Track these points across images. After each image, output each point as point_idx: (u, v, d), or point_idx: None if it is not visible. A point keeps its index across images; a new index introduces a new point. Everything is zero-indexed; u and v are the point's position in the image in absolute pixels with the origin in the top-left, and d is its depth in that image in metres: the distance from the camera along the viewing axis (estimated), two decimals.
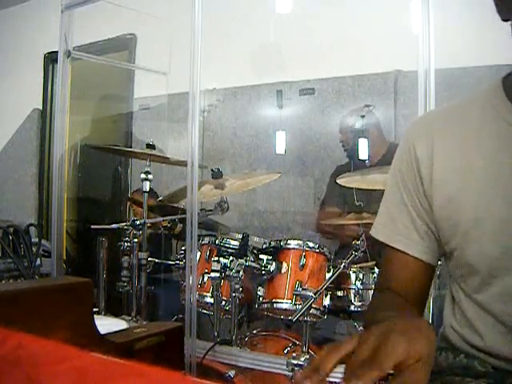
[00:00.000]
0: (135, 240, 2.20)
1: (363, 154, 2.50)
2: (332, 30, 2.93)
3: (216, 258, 1.91)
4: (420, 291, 0.95)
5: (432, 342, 0.65)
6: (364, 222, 2.00)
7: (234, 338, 1.85)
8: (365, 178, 2.13)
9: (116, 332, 1.08)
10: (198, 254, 2.03)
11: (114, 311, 2.29)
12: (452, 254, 0.90)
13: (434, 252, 0.93)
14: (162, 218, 2.56)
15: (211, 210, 2.14)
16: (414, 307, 0.92)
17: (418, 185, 0.90)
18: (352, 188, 2.39)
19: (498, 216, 0.82)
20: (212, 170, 2.16)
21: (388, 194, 0.97)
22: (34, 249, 1.52)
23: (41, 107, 4.36)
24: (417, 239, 0.92)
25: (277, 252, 1.96)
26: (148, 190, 2.29)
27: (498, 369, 0.86)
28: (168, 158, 2.49)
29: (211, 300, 1.93)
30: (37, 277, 1.53)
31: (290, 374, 1.62)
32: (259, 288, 1.96)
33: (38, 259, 1.54)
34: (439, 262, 1.87)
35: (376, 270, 1.96)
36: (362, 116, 2.52)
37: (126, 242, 2.24)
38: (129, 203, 3.37)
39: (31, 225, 1.60)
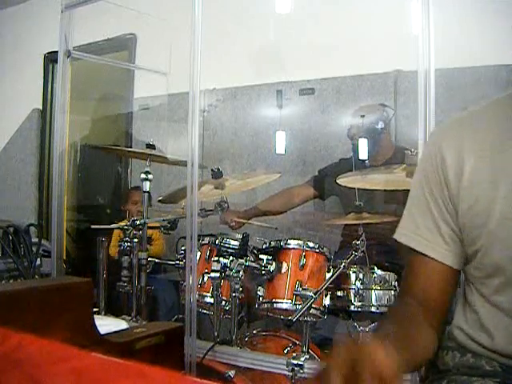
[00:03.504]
0: (135, 240, 2.20)
1: (363, 153, 2.49)
2: (332, 29, 2.92)
3: (216, 258, 1.91)
4: (442, 296, 0.92)
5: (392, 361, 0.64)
6: (364, 222, 2.00)
7: (234, 337, 1.85)
8: (365, 177, 2.13)
9: (116, 332, 1.08)
10: (198, 253, 2.03)
11: (114, 311, 2.29)
12: (475, 256, 0.89)
13: (458, 256, 0.92)
14: (162, 218, 2.56)
15: (211, 210, 2.14)
16: (423, 325, 0.89)
17: (443, 188, 0.91)
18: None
19: None
20: (212, 170, 2.15)
21: (412, 199, 0.97)
22: (34, 249, 1.52)
23: (41, 107, 4.36)
24: (440, 242, 0.91)
25: (277, 252, 1.96)
26: (148, 189, 2.29)
27: (505, 367, 0.86)
28: (168, 158, 2.49)
29: (211, 300, 1.93)
30: (37, 277, 1.53)
31: (290, 374, 1.61)
32: (259, 288, 1.96)
33: (38, 259, 1.54)
34: None
35: (376, 270, 1.96)
36: (381, 114, 2.53)
37: (126, 241, 2.24)
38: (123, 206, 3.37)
39: (31, 225, 1.61)
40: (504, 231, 0.84)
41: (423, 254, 0.92)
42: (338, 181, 2.18)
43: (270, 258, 1.94)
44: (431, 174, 0.92)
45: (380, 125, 2.51)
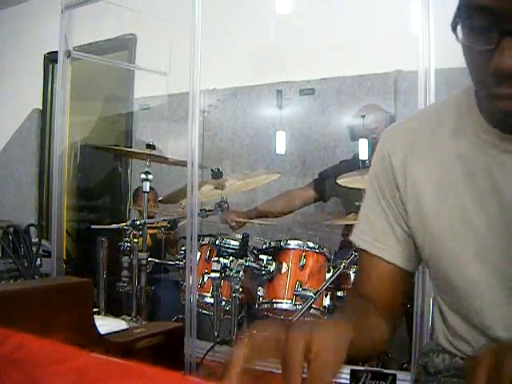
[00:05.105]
0: (135, 240, 2.20)
1: (364, 154, 2.49)
2: (332, 30, 2.92)
3: (216, 258, 1.91)
4: (394, 297, 0.92)
5: (337, 331, 0.64)
6: None
7: (234, 337, 1.85)
8: (366, 178, 2.12)
9: (116, 332, 1.08)
10: (198, 254, 2.03)
11: (113, 311, 2.29)
12: (428, 264, 0.89)
13: (412, 258, 0.91)
14: (162, 218, 2.56)
15: (211, 210, 2.14)
16: (378, 316, 0.88)
17: (394, 191, 0.90)
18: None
19: (476, 229, 0.80)
20: (212, 170, 2.15)
21: (366, 201, 0.96)
22: (34, 249, 1.52)
23: (41, 107, 4.36)
24: (394, 244, 0.91)
25: (277, 252, 1.96)
26: (148, 189, 2.29)
27: None
28: (168, 158, 2.49)
29: (211, 300, 1.93)
30: (37, 277, 1.53)
31: None
32: (259, 288, 1.96)
33: (38, 259, 1.54)
34: None
35: None
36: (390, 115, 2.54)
37: (126, 242, 2.24)
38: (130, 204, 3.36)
39: (31, 225, 1.60)
40: (452, 244, 0.82)
41: (375, 256, 0.91)
42: (338, 181, 2.18)
43: (270, 258, 1.94)
44: (382, 178, 0.92)
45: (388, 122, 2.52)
